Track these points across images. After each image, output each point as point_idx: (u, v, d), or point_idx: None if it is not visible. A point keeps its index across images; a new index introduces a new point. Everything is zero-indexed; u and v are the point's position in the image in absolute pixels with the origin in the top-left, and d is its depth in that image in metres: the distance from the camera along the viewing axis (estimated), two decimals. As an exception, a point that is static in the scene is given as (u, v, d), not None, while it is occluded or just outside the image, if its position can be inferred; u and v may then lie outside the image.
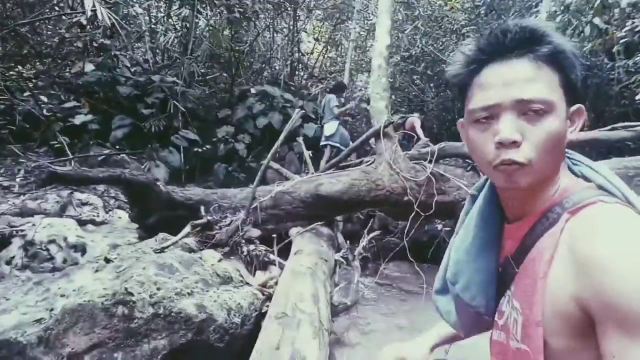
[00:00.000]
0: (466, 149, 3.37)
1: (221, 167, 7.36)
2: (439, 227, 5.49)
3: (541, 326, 0.71)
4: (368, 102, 5.64)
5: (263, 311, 2.80)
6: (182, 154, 7.07)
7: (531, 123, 0.73)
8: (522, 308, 0.76)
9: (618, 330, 0.62)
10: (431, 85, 11.63)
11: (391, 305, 4.51)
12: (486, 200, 0.90)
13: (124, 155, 6.41)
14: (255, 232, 3.77)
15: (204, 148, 7.36)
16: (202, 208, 3.86)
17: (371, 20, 10.07)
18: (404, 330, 3.79)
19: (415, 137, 6.63)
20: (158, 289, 2.38)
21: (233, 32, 8.82)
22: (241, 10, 7.70)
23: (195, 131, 7.45)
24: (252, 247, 3.62)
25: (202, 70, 8.79)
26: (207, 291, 2.65)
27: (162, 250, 3.10)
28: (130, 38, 8.24)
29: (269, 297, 2.95)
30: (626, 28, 8.41)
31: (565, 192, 0.78)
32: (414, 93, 11.47)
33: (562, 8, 5.73)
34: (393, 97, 11.26)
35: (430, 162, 4.25)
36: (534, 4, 8.45)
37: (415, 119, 7.47)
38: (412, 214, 4.10)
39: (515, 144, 0.73)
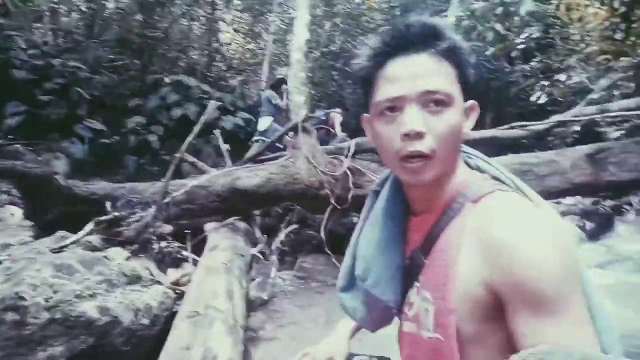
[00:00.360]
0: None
1: (131, 159, 6.95)
2: (355, 219, 5.65)
3: (454, 314, 0.73)
4: (287, 95, 5.63)
5: (175, 310, 2.68)
6: (86, 145, 6.57)
7: (433, 115, 0.75)
8: (433, 298, 0.77)
9: (527, 310, 0.65)
10: (349, 81, 11.89)
11: (308, 297, 4.55)
12: (391, 195, 0.91)
13: (18, 145, 5.81)
14: (168, 228, 3.61)
15: (112, 139, 6.90)
16: (108, 203, 3.61)
17: (291, 14, 10.04)
18: (320, 322, 3.84)
19: (333, 132, 6.74)
20: (55, 292, 2.18)
21: (145, 17, 8.33)
22: (154, -6, 7.31)
23: (101, 121, 6.96)
24: (164, 243, 3.46)
25: (111, 56, 8.22)
26: (112, 292, 2.48)
27: (60, 249, 2.86)
28: (28, 17, 7.47)
29: (181, 296, 2.84)
30: (524, 35, 9.20)
31: (465, 183, 0.81)
32: (332, 89, 11.66)
33: (468, 14, 6.12)
34: (312, 92, 11.36)
35: (347, 157, 4.33)
36: (444, 8, 8.94)
37: (336, 115, 7.56)
38: (329, 208, 4.16)
39: (420, 136, 0.74)
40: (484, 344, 0.73)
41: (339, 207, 4.14)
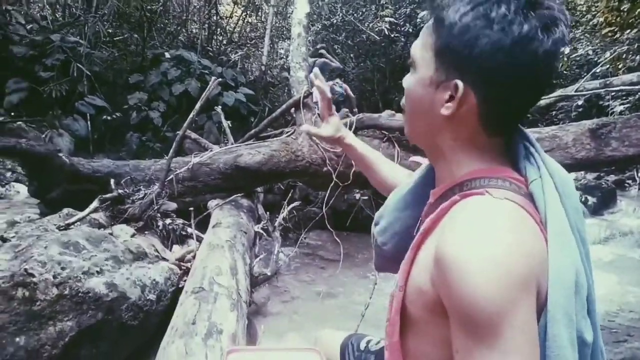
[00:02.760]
0: (383, 120, 3.43)
1: (134, 136, 6.94)
2: (357, 196, 5.68)
3: (402, 291, 0.76)
4: (289, 70, 5.57)
5: (181, 286, 2.74)
6: (89, 122, 6.55)
7: (409, 75, 0.82)
8: (400, 270, 0.80)
9: (461, 328, 0.64)
10: (352, 55, 11.72)
11: (310, 273, 4.63)
12: None
13: (20, 122, 5.81)
14: (172, 205, 3.64)
15: (114, 116, 6.87)
16: (112, 181, 3.63)
17: (292, -15, 9.83)
18: (322, 296, 3.92)
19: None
20: (62, 268, 2.23)
21: (144, -10, 8.20)
22: (152, -34, 7.15)
23: (103, 97, 6.91)
24: (168, 220, 3.49)
25: (110, 31, 8.10)
26: (119, 268, 2.53)
27: (66, 227, 2.89)
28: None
29: (186, 272, 2.89)
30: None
31: (471, 174, 0.76)
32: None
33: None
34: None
35: (348, 133, 4.31)
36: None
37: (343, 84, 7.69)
38: (331, 184, 4.18)
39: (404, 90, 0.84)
40: (427, 333, 0.75)
41: (340, 184, 4.15)
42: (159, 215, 3.46)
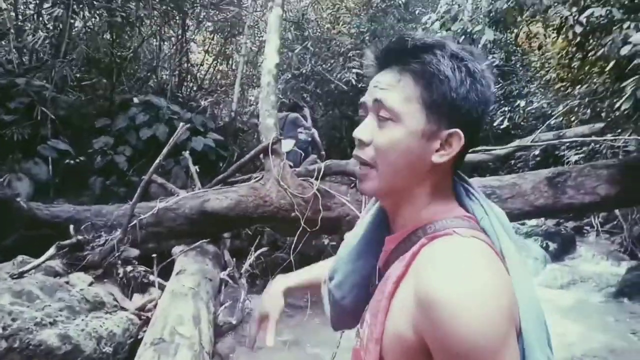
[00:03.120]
0: (350, 167, 3.51)
1: (97, 181, 6.76)
2: (326, 242, 5.66)
3: (379, 344, 0.73)
4: (258, 117, 5.66)
5: (140, 337, 2.62)
6: (50, 166, 6.37)
7: (380, 128, 0.77)
8: (370, 322, 0.79)
9: None
10: (320, 103, 12.03)
11: (278, 321, 4.51)
12: (380, 205, 0.92)
13: (-23, 166, 5.60)
14: (134, 252, 3.53)
15: (78, 160, 6.70)
16: (72, 227, 3.51)
17: (262, 37, 10.14)
18: (291, 345, 3.81)
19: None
20: (13, 319, 2.11)
21: (114, 37, 8.25)
22: (124, 14, 7.24)
23: (66, 141, 6.76)
24: (129, 268, 3.38)
25: (78, 75, 8.06)
26: (74, 319, 2.42)
27: (20, 275, 2.75)
28: (-9, 35, 7.29)
29: (147, 322, 2.77)
30: (486, 62, 9.57)
31: (433, 216, 0.78)
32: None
33: (423, 36, 6.33)
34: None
35: (316, 179, 4.36)
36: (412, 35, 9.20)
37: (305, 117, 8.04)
38: (299, 230, 4.16)
39: (364, 143, 0.78)
40: None
41: (309, 230, 4.15)
42: (119, 262, 3.35)
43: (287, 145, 7.32)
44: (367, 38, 11.11)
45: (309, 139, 8.10)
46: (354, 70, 10.04)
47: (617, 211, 6.82)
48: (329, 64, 10.93)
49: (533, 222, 7.59)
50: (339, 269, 0.93)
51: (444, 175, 0.81)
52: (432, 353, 0.67)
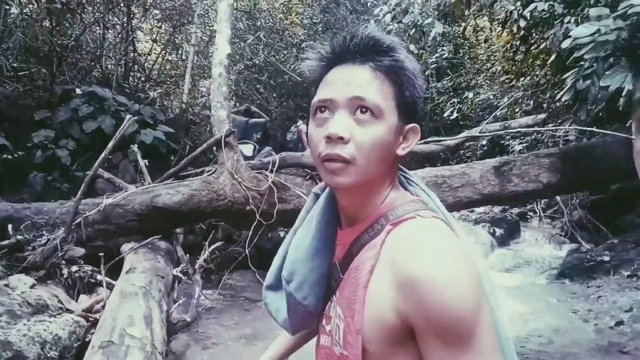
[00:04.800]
0: (305, 158, 3.51)
1: (38, 176, 6.38)
2: (282, 234, 5.64)
3: (361, 334, 0.74)
4: (210, 109, 5.54)
5: (88, 340, 2.51)
6: (-14, 162, 5.96)
7: (360, 125, 0.76)
8: (344, 315, 0.79)
9: (438, 343, 0.67)
10: (274, 95, 11.93)
11: (234, 316, 4.46)
12: (327, 202, 0.91)
13: None
14: (79, 251, 3.37)
15: (16, 155, 6.31)
16: (10, 226, 3.30)
17: (212, 26, 9.88)
18: (248, 340, 3.77)
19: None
20: (-56, 329, 1.95)
21: (54, 24, 7.79)
22: (64, 0, 6.84)
23: (3, 135, 6.35)
24: (74, 268, 3.22)
25: (14, 65, 7.56)
26: (15, 324, 2.28)
27: (-49, 280, 2.56)
28: None
29: (94, 324, 2.66)
30: (436, 55, 9.83)
31: (391, 204, 0.81)
32: (258, 102, 11.63)
33: (384, 34, 6.43)
34: (237, 104, 11.24)
35: (271, 171, 4.32)
36: (363, 26, 9.29)
37: (303, 126, 8.03)
38: (255, 223, 4.12)
39: (342, 140, 0.75)
40: None
41: (264, 223, 4.11)
42: (63, 262, 3.19)
43: (248, 149, 7.51)
44: (320, 29, 11.11)
45: (295, 136, 8.48)
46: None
47: (558, 197, 7.21)
48: (282, 55, 10.84)
49: (481, 209, 7.90)
50: (296, 271, 0.91)
51: (396, 166, 0.86)
52: (418, 332, 0.70)
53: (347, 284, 0.81)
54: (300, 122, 9.15)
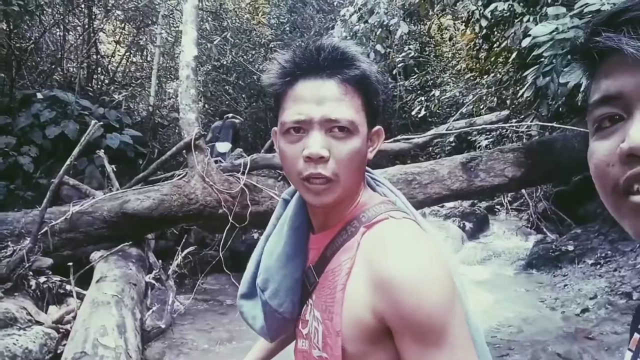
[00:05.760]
0: (277, 160, 3.51)
1: (0, 185, 6.16)
2: (255, 236, 5.62)
3: (340, 336, 0.75)
4: (179, 112, 5.46)
5: (60, 352, 2.45)
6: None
7: (337, 140, 0.77)
8: (322, 318, 0.80)
9: (413, 340, 0.69)
10: (243, 95, 11.84)
11: (209, 320, 4.42)
12: (296, 207, 0.92)
13: None
14: (47, 261, 3.28)
15: (-25, 163, 6.07)
16: (-28, 238, 3.18)
17: (178, 27, 9.72)
18: (224, 344, 3.75)
19: None
20: None
21: (11, 27, 7.50)
22: (22, 2, 6.60)
23: (-40, 143, 6.10)
24: (42, 279, 3.13)
25: (-31, 69, 7.25)
26: (-19, 340, 2.20)
27: None
28: None
29: (66, 335, 2.59)
30: (403, 54, 9.98)
31: (363, 206, 0.83)
32: (227, 102, 11.52)
33: (351, 34, 6.50)
34: (206, 106, 11.10)
35: (243, 173, 4.30)
36: (330, 25, 9.36)
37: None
38: (228, 226, 4.09)
39: (322, 159, 0.76)
40: None
41: (237, 225, 4.09)
42: (31, 273, 3.09)
43: (224, 147, 7.81)
44: (287, 29, 11.09)
45: None
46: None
47: (523, 190, 7.44)
48: (250, 55, 10.77)
49: (450, 204, 8.07)
50: (270, 279, 0.91)
51: (365, 169, 0.88)
52: (394, 331, 0.72)
53: (324, 287, 0.82)
54: None
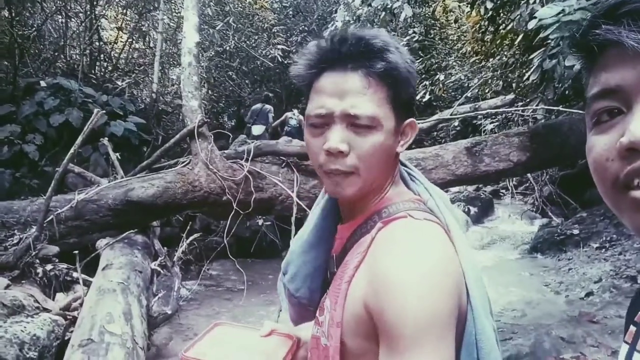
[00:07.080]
0: (280, 146, 3.49)
1: (5, 173, 6.19)
2: (260, 222, 5.64)
3: (340, 327, 0.76)
4: (182, 99, 5.44)
5: (67, 338, 2.48)
6: (-52, 160, 5.75)
7: (358, 135, 0.76)
8: (330, 308, 0.80)
9: (385, 342, 0.68)
10: (247, 81, 11.78)
11: (215, 305, 4.47)
12: (328, 197, 0.93)
13: None
14: (53, 249, 3.30)
15: (-20, 152, 6.10)
16: (-21, 227, 3.21)
17: (180, 12, 9.62)
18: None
19: None
20: None
21: (13, 14, 7.47)
22: (23, -11, 6.56)
23: (-35, 132, 6.12)
24: (49, 266, 3.16)
25: (-28, 57, 7.25)
26: (-10, 327, 2.23)
27: None
28: None
29: (73, 322, 2.63)
30: (407, 37, 9.84)
31: (387, 201, 0.82)
32: (230, 88, 11.47)
33: (354, 18, 6.41)
34: (210, 92, 11.05)
35: (247, 160, 4.29)
36: (334, 9, 9.23)
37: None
38: (232, 213, 4.10)
39: (342, 154, 0.76)
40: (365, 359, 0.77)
41: (242, 212, 4.10)
42: (37, 261, 3.12)
43: (258, 130, 8.56)
44: (290, 12, 10.97)
45: (297, 124, 9.01)
46: (279, 47, 9.90)
47: (529, 174, 7.40)
48: (253, 40, 10.68)
49: (455, 188, 8.06)
50: (291, 262, 0.94)
51: (397, 162, 0.86)
52: (378, 332, 0.71)
53: (337, 278, 0.82)
54: (295, 111, 9.61)
